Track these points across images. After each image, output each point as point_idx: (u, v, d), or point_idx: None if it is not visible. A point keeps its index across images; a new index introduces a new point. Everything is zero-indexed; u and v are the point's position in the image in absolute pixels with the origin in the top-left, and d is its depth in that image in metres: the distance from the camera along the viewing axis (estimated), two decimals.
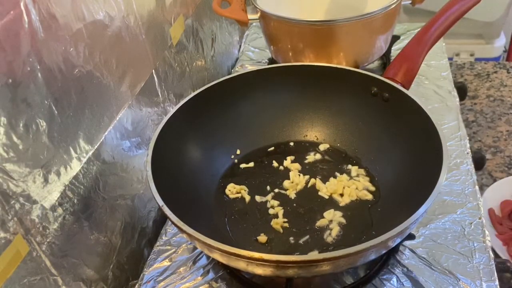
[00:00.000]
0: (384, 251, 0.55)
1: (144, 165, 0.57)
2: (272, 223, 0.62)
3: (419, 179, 0.56)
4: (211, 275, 0.61)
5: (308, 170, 0.70)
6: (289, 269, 0.48)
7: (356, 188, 0.65)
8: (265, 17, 0.86)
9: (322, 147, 0.73)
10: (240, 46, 1.13)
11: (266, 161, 0.71)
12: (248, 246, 0.60)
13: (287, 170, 0.70)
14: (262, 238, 0.60)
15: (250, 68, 1.00)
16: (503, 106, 1.18)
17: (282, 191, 0.67)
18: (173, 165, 0.62)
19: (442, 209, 0.65)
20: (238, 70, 1.00)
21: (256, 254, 0.46)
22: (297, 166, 0.70)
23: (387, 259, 0.60)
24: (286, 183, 0.68)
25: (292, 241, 0.60)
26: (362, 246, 0.46)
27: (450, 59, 1.23)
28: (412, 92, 0.63)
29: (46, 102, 0.49)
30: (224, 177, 0.69)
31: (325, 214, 0.62)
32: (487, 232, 0.62)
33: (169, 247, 0.65)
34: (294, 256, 0.46)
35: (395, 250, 0.60)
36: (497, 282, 0.56)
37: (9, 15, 0.43)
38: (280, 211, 0.64)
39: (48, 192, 0.49)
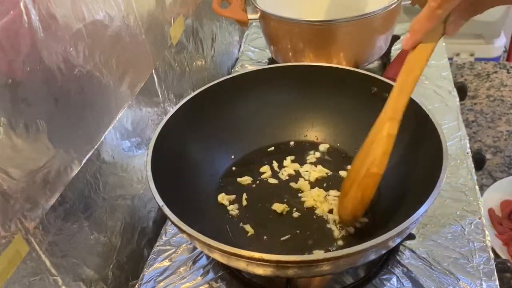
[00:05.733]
0: (384, 251, 0.55)
1: (144, 165, 0.57)
2: (274, 206, 0.63)
3: (419, 179, 0.56)
4: (211, 275, 0.61)
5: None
6: (289, 269, 0.48)
7: None
8: (265, 17, 0.86)
9: (322, 147, 0.73)
10: (240, 46, 1.13)
11: (266, 161, 0.71)
12: (248, 246, 0.60)
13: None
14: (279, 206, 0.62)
15: (250, 68, 1.00)
16: (503, 106, 1.18)
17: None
18: (173, 165, 0.62)
19: (442, 209, 0.65)
20: (238, 70, 1.00)
21: (256, 254, 0.46)
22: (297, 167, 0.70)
23: (387, 259, 0.60)
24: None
25: (294, 242, 0.60)
26: (362, 246, 0.46)
27: (450, 59, 1.23)
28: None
29: (46, 102, 0.49)
30: (224, 177, 0.69)
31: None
32: (487, 232, 0.62)
33: (169, 247, 0.65)
34: (294, 256, 0.46)
35: (395, 250, 0.60)
36: (497, 282, 0.56)
37: (9, 15, 0.43)
38: (284, 209, 0.64)
39: (48, 192, 0.49)
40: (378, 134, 0.54)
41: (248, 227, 0.62)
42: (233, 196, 0.66)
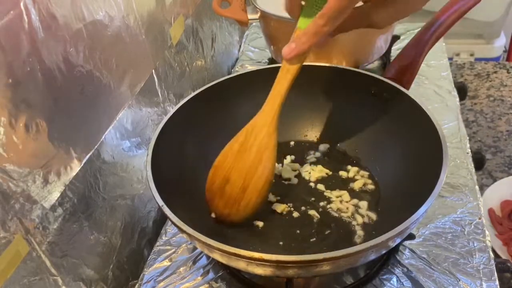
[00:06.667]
0: (384, 251, 0.55)
1: (144, 165, 0.57)
2: (274, 206, 0.63)
3: (419, 179, 0.56)
4: (211, 275, 0.61)
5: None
6: (289, 269, 0.48)
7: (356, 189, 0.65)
8: (265, 17, 0.86)
9: (322, 147, 0.73)
10: (240, 46, 1.13)
11: None
12: (248, 246, 0.59)
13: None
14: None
15: (250, 68, 1.00)
16: (503, 106, 1.18)
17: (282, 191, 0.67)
18: (173, 165, 0.62)
19: (442, 209, 0.65)
20: (238, 70, 1.00)
21: (256, 254, 0.46)
22: (296, 166, 0.70)
23: (387, 259, 0.60)
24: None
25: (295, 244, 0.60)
26: (362, 246, 0.46)
27: (450, 59, 1.23)
28: (412, 92, 0.63)
29: (46, 102, 0.49)
30: None
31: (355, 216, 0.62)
32: (487, 232, 0.62)
33: (169, 247, 0.65)
34: (294, 256, 0.46)
35: (395, 250, 0.60)
36: (497, 282, 0.56)
37: (9, 15, 0.43)
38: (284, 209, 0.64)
39: (48, 192, 0.49)
40: (267, 145, 0.58)
41: (248, 227, 0.62)
42: None
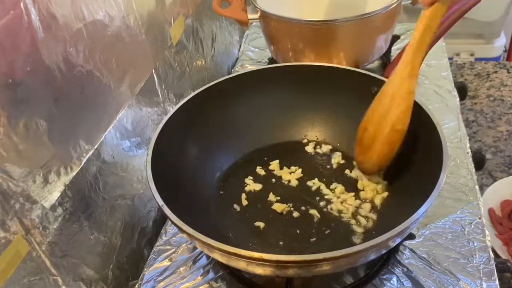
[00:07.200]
0: (384, 251, 0.55)
1: (144, 165, 0.57)
2: (274, 206, 0.63)
3: (419, 179, 0.56)
4: (211, 275, 0.61)
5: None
6: (289, 269, 0.48)
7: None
8: (265, 17, 0.86)
9: (322, 147, 0.73)
10: (240, 46, 1.13)
11: (266, 161, 0.71)
12: (248, 246, 0.60)
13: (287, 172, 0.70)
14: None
15: (250, 68, 0.99)
16: (503, 106, 1.18)
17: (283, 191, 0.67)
18: (173, 165, 0.62)
19: (442, 209, 0.65)
20: (238, 70, 1.00)
21: (256, 254, 0.46)
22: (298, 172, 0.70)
23: (387, 259, 0.60)
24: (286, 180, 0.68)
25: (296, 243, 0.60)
26: (362, 246, 0.46)
27: (450, 59, 1.23)
28: None
29: (46, 102, 0.49)
30: (224, 176, 0.69)
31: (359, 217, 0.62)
32: (487, 232, 0.62)
33: (169, 247, 0.65)
34: (294, 256, 0.46)
35: (395, 250, 0.60)
36: (497, 282, 0.56)
37: (9, 15, 0.43)
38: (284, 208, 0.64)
39: (48, 192, 0.49)
40: (399, 91, 0.56)
41: (248, 227, 0.62)
42: (233, 196, 0.66)
